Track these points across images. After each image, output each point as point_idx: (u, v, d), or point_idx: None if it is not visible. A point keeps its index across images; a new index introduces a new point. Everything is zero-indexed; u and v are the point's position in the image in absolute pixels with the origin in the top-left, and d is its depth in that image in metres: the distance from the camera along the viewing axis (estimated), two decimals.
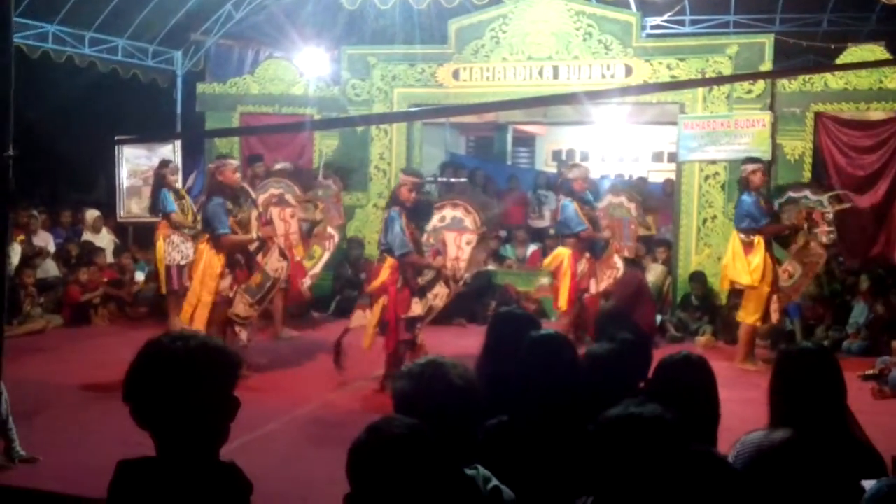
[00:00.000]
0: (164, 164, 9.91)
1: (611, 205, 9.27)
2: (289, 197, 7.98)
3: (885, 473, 2.70)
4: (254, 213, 7.52)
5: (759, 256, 8.15)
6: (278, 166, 9.76)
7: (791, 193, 8.74)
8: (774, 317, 8.25)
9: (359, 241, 11.06)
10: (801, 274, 8.21)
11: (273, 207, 7.87)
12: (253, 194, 7.68)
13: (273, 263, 7.49)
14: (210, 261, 7.39)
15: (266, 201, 7.84)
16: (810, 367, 2.88)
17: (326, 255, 9.15)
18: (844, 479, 2.59)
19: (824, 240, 8.42)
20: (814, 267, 8.45)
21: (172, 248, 9.49)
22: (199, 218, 8.30)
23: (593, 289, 8.65)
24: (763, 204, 8.26)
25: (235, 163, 7.71)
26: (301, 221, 9.53)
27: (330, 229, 8.97)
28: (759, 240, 8.18)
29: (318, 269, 9.13)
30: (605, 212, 9.11)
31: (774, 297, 8.17)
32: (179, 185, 10.10)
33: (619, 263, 8.81)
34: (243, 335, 7.48)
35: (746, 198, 8.23)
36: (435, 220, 7.50)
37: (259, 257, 7.45)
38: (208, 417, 1.88)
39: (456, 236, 7.46)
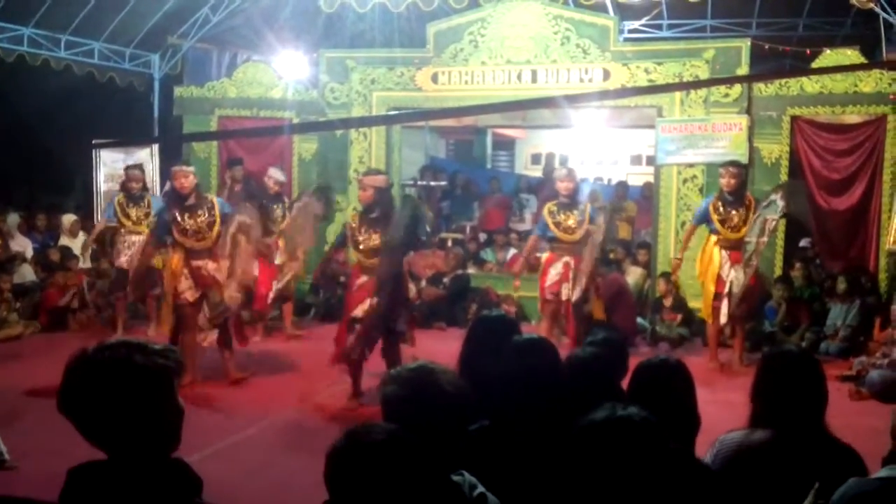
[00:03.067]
0: (127, 168, 9.90)
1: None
2: (253, 234, 7.83)
3: (865, 474, 2.72)
4: (202, 220, 7.51)
5: (708, 251, 8.48)
6: (275, 174, 9.79)
7: (762, 203, 8.37)
8: (723, 319, 8.26)
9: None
10: (744, 283, 8.20)
11: (242, 236, 7.74)
12: (215, 201, 7.67)
13: (231, 292, 7.41)
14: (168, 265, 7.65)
15: (240, 228, 7.69)
16: (793, 370, 2.89)
17: (290, 275, 9.17)
18: (824, 481, 2.61)
19: (758, 259, 8.22)
20: (751, 278, 8.35)
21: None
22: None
23: (565, 294, 8.31)
24: (721, 205, 8.32)
25: (188, 170, 7.68)
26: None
27: (299, 251, 8.98)
28: (707, 235, 8.52)
29: (281, 285, 9.12)
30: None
31: (726, 300, 8.16)
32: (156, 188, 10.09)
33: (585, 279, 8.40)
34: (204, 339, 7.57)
35: (710, 195, 8.54)
36: None
37: (223, 277, 7.39)
38: (147, 425, 1.84)
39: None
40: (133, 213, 9.43)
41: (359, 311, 6.85)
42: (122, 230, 9.45)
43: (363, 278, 6.95)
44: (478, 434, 2.75)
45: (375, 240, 6.88)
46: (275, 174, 9.89)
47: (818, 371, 2.93)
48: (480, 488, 2.32)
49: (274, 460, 5.68)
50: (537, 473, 2.61)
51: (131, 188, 9.50)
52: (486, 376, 2.89)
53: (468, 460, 2.40)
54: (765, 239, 8.09)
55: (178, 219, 7.43)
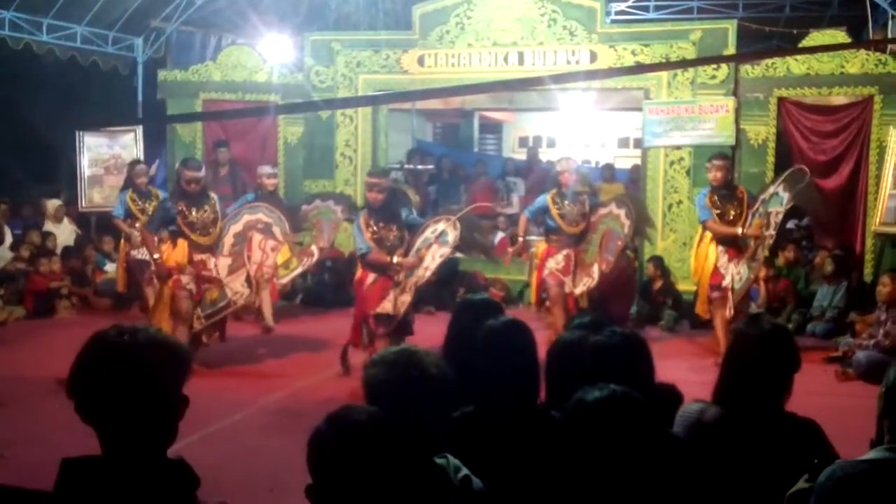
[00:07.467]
0: (133, 164, 9.82)
1: (611, 214, 8.23)
2: (276, 230, 7.73)
3: (826, 449, 2.68)
4: (208, 216, 7.49)
5: (702, 250, 8.11)
6: (267, 170, 9.36)
7: (762, 196, 8.05)
8: (729, 311, 7.98)
9: None
10: (747, 278, 8.05)
11: (256, 233, 7.68)
12: (214, 198, 7.64)
13: (236, 287, 7.49)
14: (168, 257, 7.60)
15: (250, 225, 7.69)
16: (758, 345, 2.85)
17: (299, 270, 9.01)
18: (782, 457, 2.59)
19: (766, 252, 8.01)
20: (757, 272, 8.24)
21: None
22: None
23: (567, 287, 8.00)
24: (717, 199, 7.98)
25: (199, 171, 7.64)
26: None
27: (314, 247, 8.81)
28: (701, 233, 8.18)
29: (287, 279, 9.04)
30: (601, 219, 8.22)
31: (729, 295, 7.82)
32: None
33: (596, 274, 8.04)
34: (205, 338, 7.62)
35: (702, 190, 8.18)
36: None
37: (224, 275, 7.45)
38: (154, 415, 1.82)
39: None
40: (149, 206, 9.33)
41: (387, 306, 6.93)
42: (138, 225, 9.39)
43: (373, 276, 7.04)
44: (461, 420, 2.74)
45: (395, 235, 7.03)
46: (264, 170, 9.39)
47: (785, 345, 2.88)
48: (465, 471, 2.31)
49: (262, 445, 5.66)
50: (519, 458, 2.60)
51: (140, 184, 9.45)
52: (469, 360, 2.87)
53: (452, 446, 2.38)
54: (772, 232, 7.75)
55: (185, 212, 7.44)
